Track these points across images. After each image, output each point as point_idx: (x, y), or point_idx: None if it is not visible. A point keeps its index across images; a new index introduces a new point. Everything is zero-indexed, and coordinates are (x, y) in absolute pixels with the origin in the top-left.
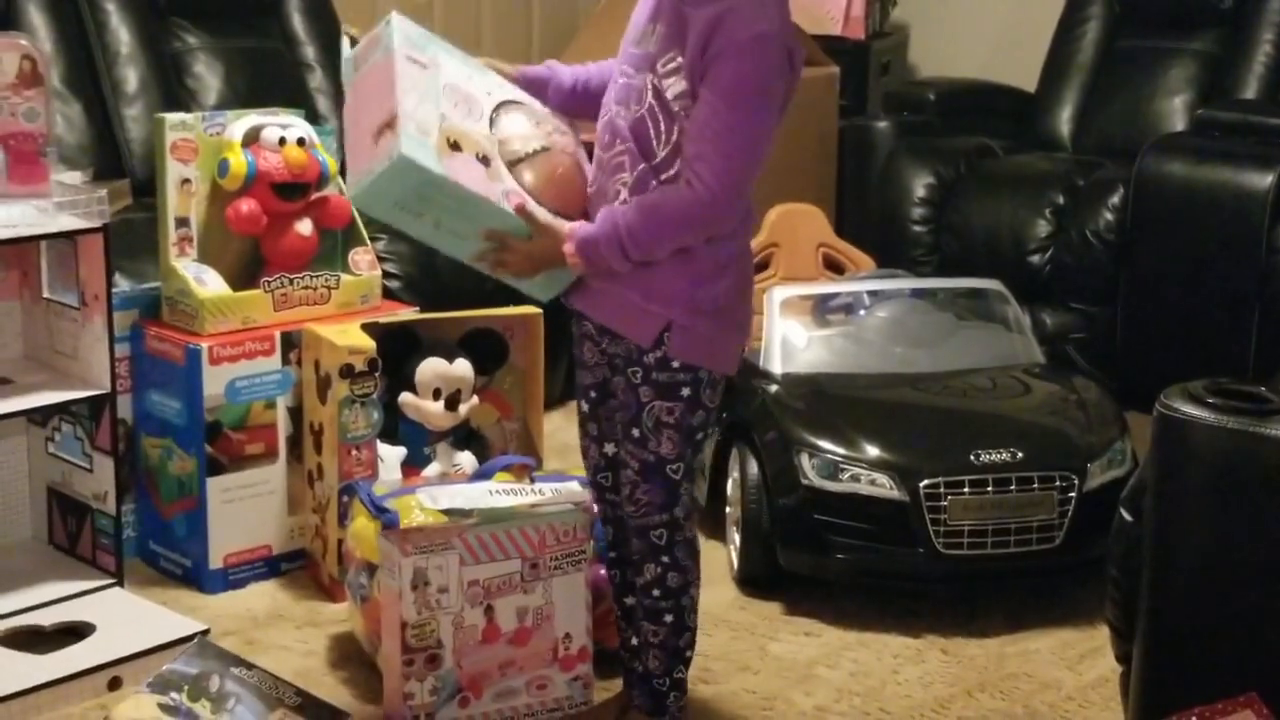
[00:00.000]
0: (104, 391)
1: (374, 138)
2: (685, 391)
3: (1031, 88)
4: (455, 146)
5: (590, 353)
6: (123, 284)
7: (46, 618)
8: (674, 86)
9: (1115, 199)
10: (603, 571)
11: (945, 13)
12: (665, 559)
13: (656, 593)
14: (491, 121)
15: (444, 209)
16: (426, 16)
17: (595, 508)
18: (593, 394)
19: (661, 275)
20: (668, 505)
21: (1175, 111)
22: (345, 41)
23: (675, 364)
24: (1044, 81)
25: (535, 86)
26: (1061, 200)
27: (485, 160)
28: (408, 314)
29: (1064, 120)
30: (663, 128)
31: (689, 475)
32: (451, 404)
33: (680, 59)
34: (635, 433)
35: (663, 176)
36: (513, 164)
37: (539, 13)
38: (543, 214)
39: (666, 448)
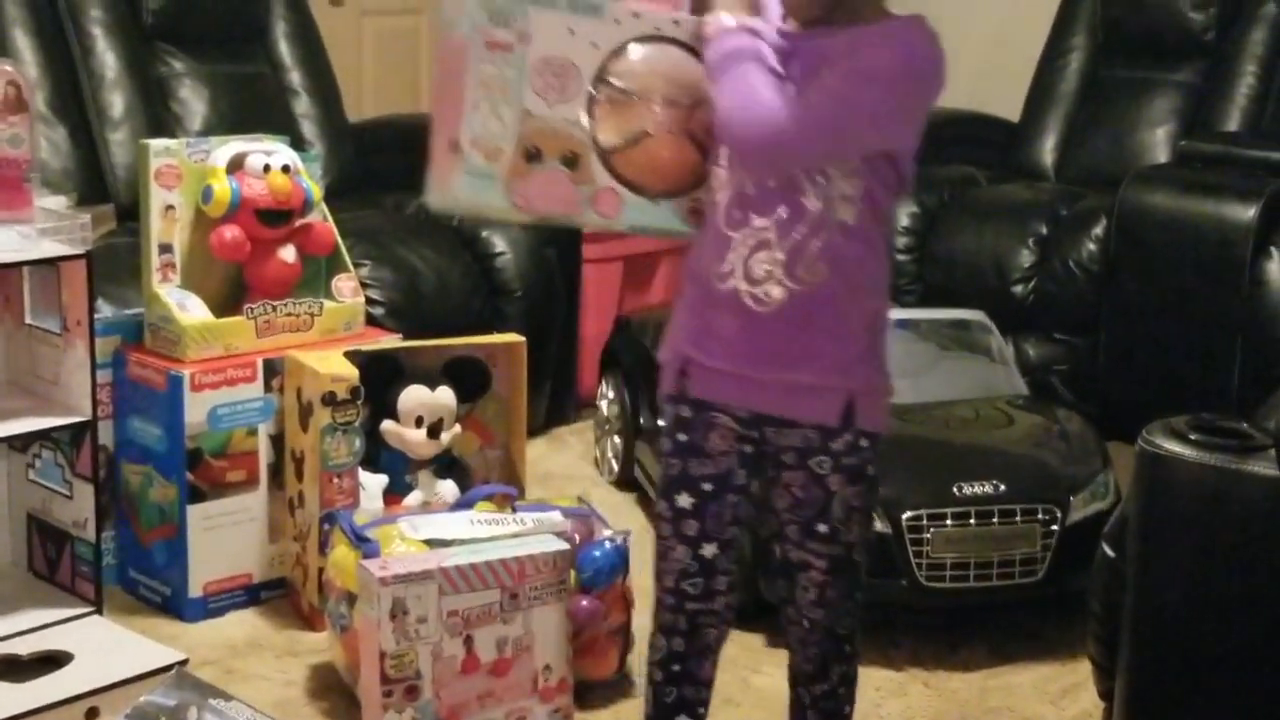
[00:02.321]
0: (85, 419)
1: (447, 147)
2: (870, 470)
3: (1015, 117)
4: (534, 155)
5: (722, 440)
6: (105, 309)
7: (24, 646)
8: None
9: (1098, 229)
10: (584, 602)
11: None
12: (849, 650)
13: (842, 691)
14: (595, 90)
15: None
16: (411, 44)
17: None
18: (707, 487)
19: (838, 345)
20: (853, 593)
21: (1158, 142)
22: None
23: (863, 443)
24: (1027, 111)
25: None
26: (1045, 230)
27: (572, 159)
28: (390, 341)
29: (1047, 150)
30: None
31: (866, 518)
32: (434, 432)
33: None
34: (822, 528)
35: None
36: (609, 153)
37: None
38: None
39: (856, 534)
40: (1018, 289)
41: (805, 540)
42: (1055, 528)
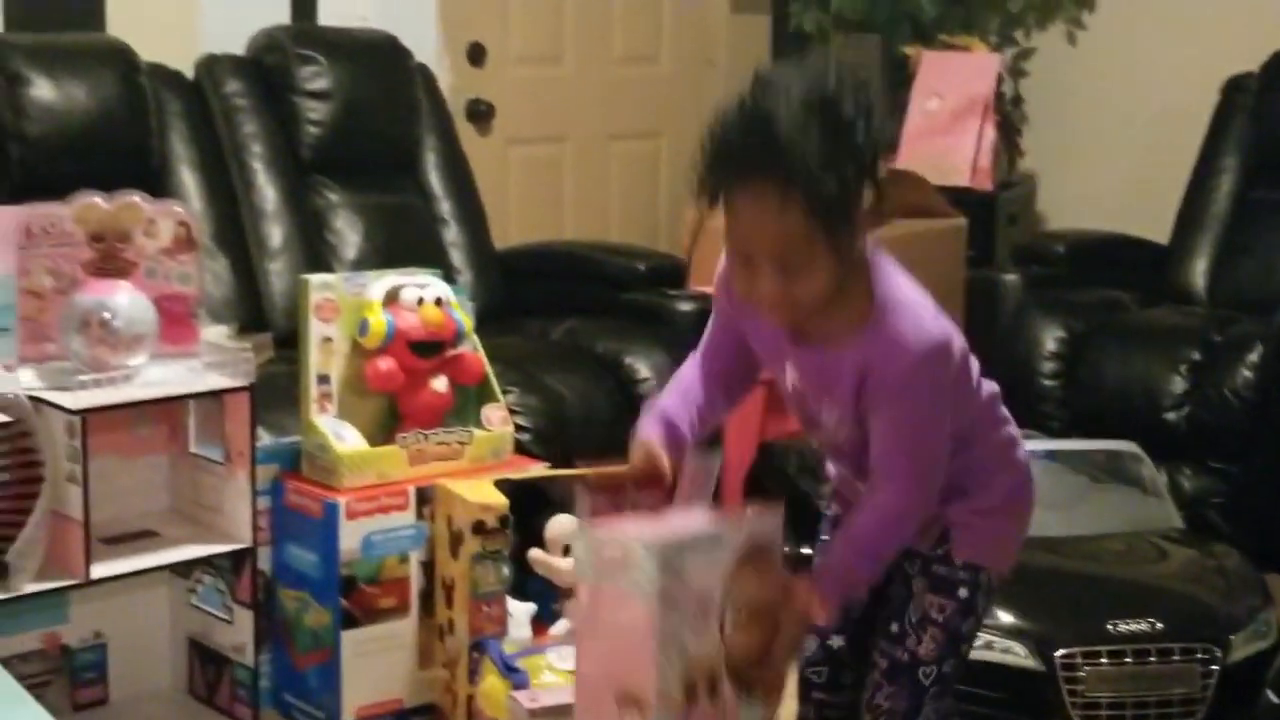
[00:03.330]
0: (246, 546)
1: (617, 702)
2: (963, 592)
3: (1164, 239)
4: (692, 691)
5: None
6: (265, 437)
7: None
8: (842, 429)
9: (1253, 355)
10: None
11: (1074, 163)
12: None
13: None
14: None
15: None
16: (556, 173)
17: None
18: None
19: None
20: (910, 715)
21: None
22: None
23: (957, 561)
24: (1177, 233)
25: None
26: (1197, 356)
27: (712, 685)
28: (537, 470)
29: (1198, 273)
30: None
31: (942, 685)
32: None
33: (839, 410)
34: (893, 627)
35: None
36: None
37: (665, 172)
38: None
39: (926, 648)
40: (1170, 416)
41: (878, 636)
42: (1215, 668)
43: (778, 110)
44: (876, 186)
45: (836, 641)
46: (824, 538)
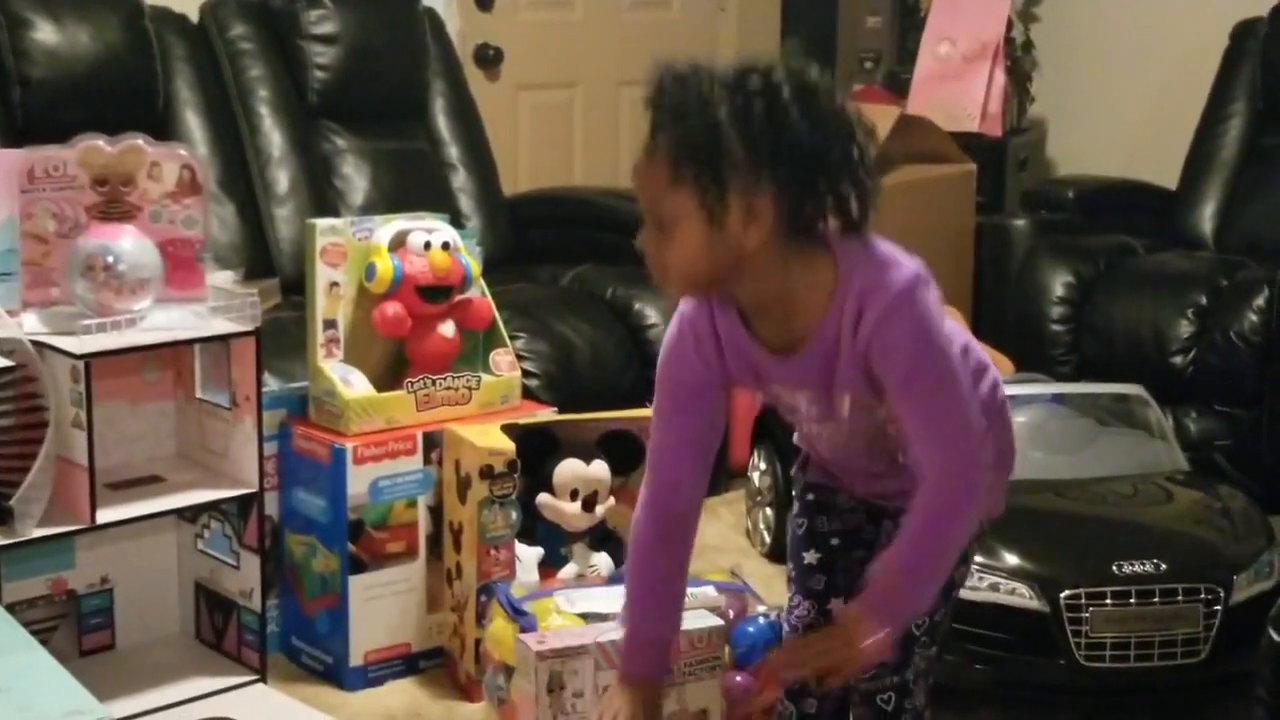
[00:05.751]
0: (252, 491)
1: None
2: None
3: (1173, 185)
4: None
5: (849, 498)
6: (271, 383)
7: (191, 714)
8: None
9: (1260, 300)
10: (738, 678)
11: (1084, 109)
12: None
13: None
14: None
15: None
16: (566, 119)
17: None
18: (834, 542)
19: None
20: (900, 666)
21: None
22: None
23: None
24: (1185, 179)
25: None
26: (1204, 300)
27: None
28: (546, 415)
29: (1206, 218)
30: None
31: (931, 636)
32: (588, 505)
33: (850, 392)
34: None
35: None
36: None
37: None
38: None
39: None
40: (1177, 360)
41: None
42: (1218, 608)
43: (699, 73)
44: (832, 194)
45: (836, 605)
46: (799, 519)
